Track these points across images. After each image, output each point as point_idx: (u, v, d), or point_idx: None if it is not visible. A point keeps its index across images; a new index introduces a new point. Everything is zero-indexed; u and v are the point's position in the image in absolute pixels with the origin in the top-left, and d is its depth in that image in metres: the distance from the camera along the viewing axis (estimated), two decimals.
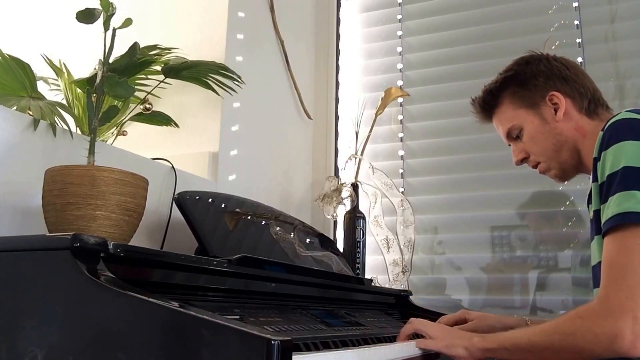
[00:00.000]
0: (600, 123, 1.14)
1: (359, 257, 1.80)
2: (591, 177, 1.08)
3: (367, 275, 1.85)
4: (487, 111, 1.32)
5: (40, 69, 1.47)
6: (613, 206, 0.93)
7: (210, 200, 1.26)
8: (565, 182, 1.28)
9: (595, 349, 0.87)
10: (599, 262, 1.01)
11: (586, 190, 1.80)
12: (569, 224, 1.80)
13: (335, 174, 2.12)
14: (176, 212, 1.21)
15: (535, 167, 1.27)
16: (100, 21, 1.04)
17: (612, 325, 0.86)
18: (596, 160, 1.01)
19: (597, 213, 1.01)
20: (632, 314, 0.85)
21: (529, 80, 1.23)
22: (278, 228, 1.39)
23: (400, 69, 2.16)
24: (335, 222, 2.07)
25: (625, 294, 0.87)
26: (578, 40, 1.90)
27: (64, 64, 1.57)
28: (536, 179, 1.86)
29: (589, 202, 1.14)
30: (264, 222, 1.37)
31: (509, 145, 1.31)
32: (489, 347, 1.00)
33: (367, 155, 1.99)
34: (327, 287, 1.28)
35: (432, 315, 1.45)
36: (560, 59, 1.25)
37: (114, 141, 1.51)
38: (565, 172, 1.24)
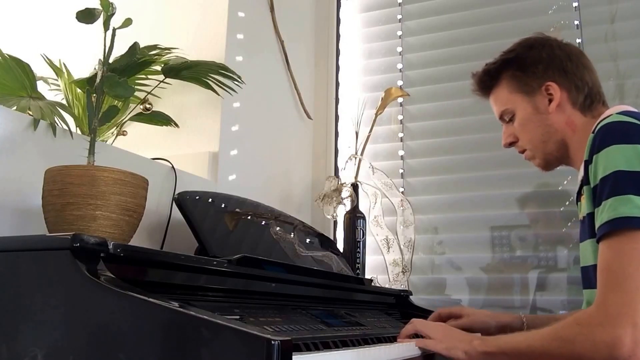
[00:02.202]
0: (592, 120, 1.13)
1: (359, 257, 1.80)
2: (581, 178, 1.08)
3: (367, 275, 1.85)
4: (484, 89, 1.32)
5: (40, 69, 1.47)
6: (608, 211, 0.93)
7: (210, 200, 1.26)
8: (549, 171, 1.29)
9: (594, 357, 0.87)
10: (593, 265, 1.01)
11: None
12: (569, 224, 1.80)
13: (335, 174, 2.12)
14: (176, 212, 1.21)
15: (522, 152, 1.28)
16: (100, 21, 1.04)
17: (611, 333, 0.85)
18: (587, 162, 1.01)
19: (591, 216, 1.00)
20: (631, 320, 0.84)
21: (529, 66, 1.22)
22: (278, 228, 1.39)
23: (400, 69, 2.16)
24: (335, 222, 2.07)
25: (623, 301, 0.86)
26: (578, 41, 1.90)
27: (64, 64, 1.57)
28: (536, 178, 1.88)
29: (578, 199, 1.14)
30: (264, 222, 1.37)
31: (502, 125, 1.31)
32: (489, 351, 0.99)
33: (367, 155, 1.99)
34: (327, 287, 1.28)
35: None
36: (565, 47, 1.23)
37: (114, 141, 1.51)
38: (549, 163, 1.25)
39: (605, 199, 0.94)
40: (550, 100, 1.19)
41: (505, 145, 1.29)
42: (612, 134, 0.97)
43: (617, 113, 1.02)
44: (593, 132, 1.02)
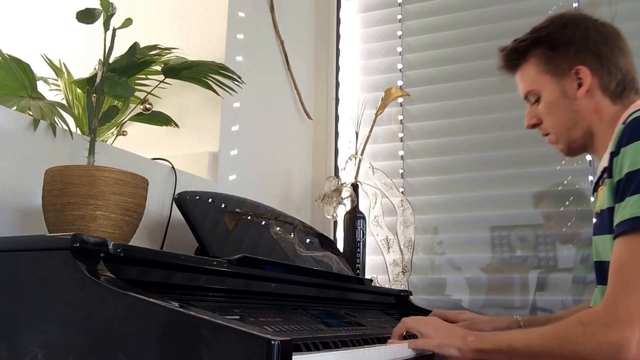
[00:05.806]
0: (622, 109, 1.06)
1: (359, 257, 1.80)
2: (603, 168, 1.03)
3: (367, 275, 1.85)
4: (511, 67, 1.24)
5: (40, 69, 1.47)
6: (631, 207, 0.88)
7: (210, 200, 1.26)
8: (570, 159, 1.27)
9: (597, 358, 0.84)
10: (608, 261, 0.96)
11: (587, 189, 1.80)
12: (569, 223, 1.80)
13: (335, 174, 2.12)
14: (176, 212, 1.21)
15: (545, 135, 1.21)
16: (100, 21, 1.04)
17: (618, 334, 0.82)
18: (613, 154, 0.96)
19: (611, 210, 0.95)
20: None
21: (560, 46, 1.13)
22: (278, 228, 1.39)
23: (400, 69, 2.16)
24: (335, 222, 2.07)
25: (634, 302, 0.83)
26: None
27: (64, 64, 1.57)
28: (536, 179, 1.88)
29: (595, 190, 1.09)
30: (264, 222, 1.37)
31: (527, 104, 1.23)
32: (484, 348, 0.96)
33: (367, 155, 1.99)
34: (327, 287, 1.28)
35: None
36: (601, 28, 1.13)
37: (114, 141, 1.51)
38: (572, 150, 1.18)
39: (629, 195, 0.89)
40: (579, 85, 1.11)
41: (528, 127, 1.22)
42: None
43: None
44: (624, 123, 0.96)
